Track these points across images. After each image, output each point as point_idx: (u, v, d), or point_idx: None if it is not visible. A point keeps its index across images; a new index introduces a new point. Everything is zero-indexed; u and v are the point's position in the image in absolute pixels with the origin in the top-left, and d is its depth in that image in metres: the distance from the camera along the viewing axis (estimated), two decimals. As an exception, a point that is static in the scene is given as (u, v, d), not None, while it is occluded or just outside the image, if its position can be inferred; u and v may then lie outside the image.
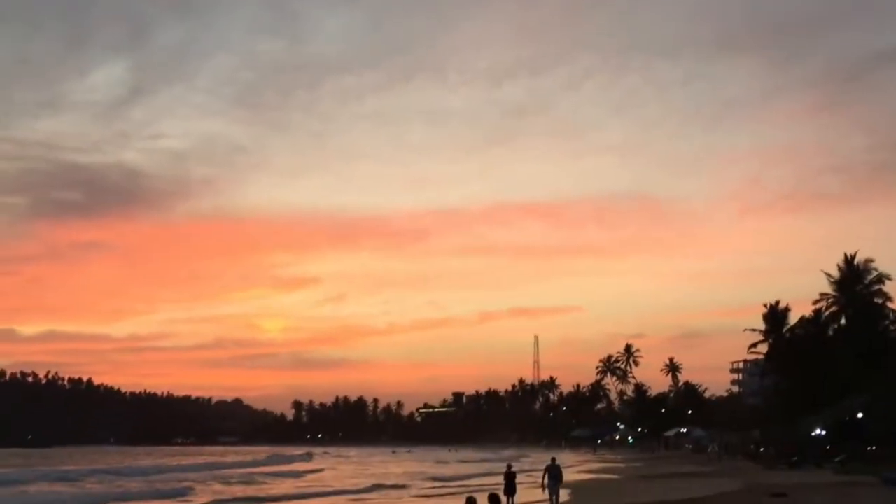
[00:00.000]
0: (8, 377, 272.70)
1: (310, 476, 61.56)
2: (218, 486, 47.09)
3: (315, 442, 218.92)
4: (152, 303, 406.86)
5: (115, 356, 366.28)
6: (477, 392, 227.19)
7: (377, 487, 45.18)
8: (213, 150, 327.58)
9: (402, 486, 46.54)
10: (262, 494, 41.82)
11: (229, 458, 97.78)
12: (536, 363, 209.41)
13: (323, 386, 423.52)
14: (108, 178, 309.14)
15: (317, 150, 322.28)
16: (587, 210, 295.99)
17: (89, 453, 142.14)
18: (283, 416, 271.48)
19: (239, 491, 43.79)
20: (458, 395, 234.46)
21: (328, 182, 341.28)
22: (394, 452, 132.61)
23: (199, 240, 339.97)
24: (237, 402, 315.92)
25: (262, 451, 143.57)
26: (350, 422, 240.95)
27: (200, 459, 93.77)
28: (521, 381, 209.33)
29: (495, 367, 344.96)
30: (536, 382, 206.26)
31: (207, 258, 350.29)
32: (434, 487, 45.87)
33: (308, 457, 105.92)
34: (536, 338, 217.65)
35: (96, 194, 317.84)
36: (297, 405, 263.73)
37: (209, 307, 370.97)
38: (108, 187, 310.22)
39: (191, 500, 37.78)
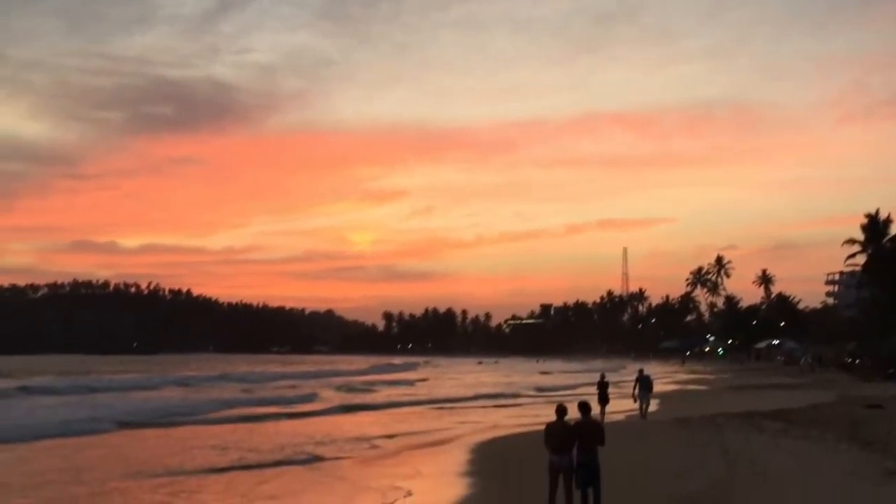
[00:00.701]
0: (112, 288, 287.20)
1: (419, 384, 62.76)
2: (338, 394, 48.10)
3: (405, 352, 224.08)
4: (245, 216, 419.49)
5: (211, 268, 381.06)
6: (565, 304, 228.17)
7: (481, 397, 45.63)
8: (301, 64, 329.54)
9: (511, 395, 47.00)
10: (381, 401, 42.78)
11: (336, 367, 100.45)
12: (625, 275, 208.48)
13: (412, 298, 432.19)
14: (199, 93, 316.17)
15: (402, 61, 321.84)
16: (678, 119, 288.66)
17: (197, 360, 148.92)
18: (373, 326, 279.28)
19: (360, 398, 44.77)
20: (545, 307, 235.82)
21: (414, 94, 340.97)
22: (480, 363, 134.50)
23: (288, 153, 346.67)
24: (329, 313, 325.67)
25: (360, 360, 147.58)
26: (439, 333, 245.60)
27: (309, 368, 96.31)
28: (610, 294, 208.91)
29: (583, 280, 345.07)
30: (625, 294, 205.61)
31: (297, 172, 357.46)
32: (537, 396, 46.39)
33: (412, 366, 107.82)
34: (625, 250, 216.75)
35: (188, 109, 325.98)
36: (388, 316, 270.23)
37: (299, 220, 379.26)
38: (199, 102, 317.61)
39: (320, 406, 38.75)
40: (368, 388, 55.10)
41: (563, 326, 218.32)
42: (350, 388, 53.29)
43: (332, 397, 44.71)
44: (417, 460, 19.55)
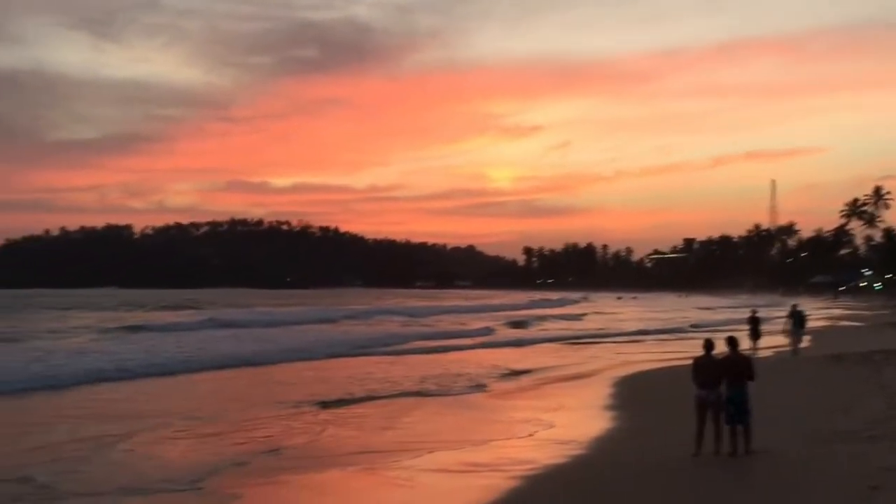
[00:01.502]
0: (265, 225, 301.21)
1: (585, 318, 63.54)
2: (508, 329, 48.83)
3: (545, 287, 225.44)
4: (387, 154, 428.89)
5: (357, 205, 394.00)
6: (709, 238, 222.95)
7: (649, 332, 45.78)
8: (439, 1, 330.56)
9: (676, 330, 46.96)
10: (552, 335, 43.48)
11: (496, 302, 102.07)
12: (773, 208, 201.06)
13: (551, 233, 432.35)
14: (341, 35, 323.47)
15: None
16: (828, 42, 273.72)
17: (349, 294, 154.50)
18: (513, 261, 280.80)
19: (534, 333, 45.74)
20: (688, 241, 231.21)
21: (552, 27, 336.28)
22: (619, 298, 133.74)
23: (427, 92, 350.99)
24: (470, 248, 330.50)
25: (504, 294, 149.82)
26: (579, 268, 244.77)
27: (469, 302, 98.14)
28: (757, 227, 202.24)
29: (728, 213, 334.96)
30: (773, 228, 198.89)
31: (436, 109, 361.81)
32: (695, 332, 45.25)
33: (569, 301, 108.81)
34: (773, 181, 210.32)
35: (330, 51, 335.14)
36: (528, 251, 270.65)
37: (440, 157, 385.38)
38: (341, 43, 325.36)
39: (494, 338, 40.24)
40: (535, 322, 56.19)
41: (706, 261, 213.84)
42: (518, 323, 54.11)
43: (505, 332, 45.95)
44: (577, 392, 20.30)
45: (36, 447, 13.16)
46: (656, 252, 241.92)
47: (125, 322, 48.83)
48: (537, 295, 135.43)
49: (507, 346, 36.19)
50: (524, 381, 22.92)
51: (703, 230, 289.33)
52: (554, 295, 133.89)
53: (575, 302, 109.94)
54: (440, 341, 37.75)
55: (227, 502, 9.99)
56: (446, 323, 54.24)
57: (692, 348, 12.42)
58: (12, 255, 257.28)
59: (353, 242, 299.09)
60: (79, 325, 48.20)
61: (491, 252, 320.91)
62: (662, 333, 45.05)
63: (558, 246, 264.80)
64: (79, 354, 27.45)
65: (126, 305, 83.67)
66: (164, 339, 35.28)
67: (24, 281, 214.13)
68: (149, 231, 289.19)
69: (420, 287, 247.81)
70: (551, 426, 15.04)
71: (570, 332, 45.54)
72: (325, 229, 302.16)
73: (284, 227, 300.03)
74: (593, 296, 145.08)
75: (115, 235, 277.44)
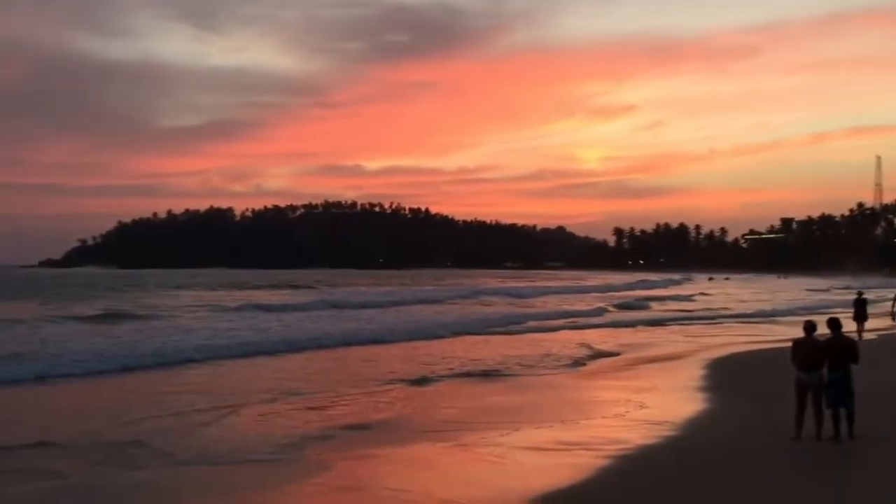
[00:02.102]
0: (359, 208, 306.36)
1: (698, 299, 63.12)
2: (622, 311, 48.44)
3: (637, 268, 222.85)
4: (477, 136, 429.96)
5: (447, 187, 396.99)
6: (808, 217, 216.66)
7: (762, 314, 45.18)
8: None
9: (786, 312, 45.95)
10: (664, 315, 43.66)
11: (594, 282, 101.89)
12: (878, 185, 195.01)
13: (642, 213, 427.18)
14: (432, 18, 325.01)
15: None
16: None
17: (443, 275, 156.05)
18: (604, 242, 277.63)
19: (646, 314, 45.56)
20: (786, 221, 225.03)
21: (644, 3, 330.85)
22: (710, 279, 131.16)
23: (517, 73, 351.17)
24: (560, 229, 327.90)
25: (595, 275, 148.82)
26: (671, 248, 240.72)
27: (572, 283, 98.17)
28: (860, 206, 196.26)
29: (829, 191, 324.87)
30: (878, 206, 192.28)
31: (526, 91, 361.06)
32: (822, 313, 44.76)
33: (672, 282, 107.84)
34: (878, 158, 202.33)
35: (422, 35, 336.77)
36: (618, 232, 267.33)
37: (529, 139, 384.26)
38: (432, 27, 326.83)
39: (605, 319, 40.79)
40: (648, 302, 56.36)
41: (805, 241, 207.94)
42: (628, 305, 53.87)
43: (624, 314, 45.78)
44: (672, 372, 20.18)
45: (152, 416, 13.93)
46: (752, 232, 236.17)
47: (239, 301, 50.64)
48: (634, 276, 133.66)
49: (621, 326, 36.20)
50: (619, 360, 23.01)
51: (802, 209, 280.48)
52: (653, 276, 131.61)
53: (678, 283, 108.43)
54: (556, 321, 38.35)
55: (320, 472, 10.26)
56: (555, 303, 54.46)
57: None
58: (124, 237, 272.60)
59: (443, 224, 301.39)
60: (195, 303, 50.24)
61: (581, 233, 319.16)
62: (784, 315, 43.77)
63: (649, 226, 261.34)
64: (196, 332, 28.91)
65: (236, 285, 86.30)
66: (280, 318, 36.81)
67: (135, 261, 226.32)
68: (248, 214, 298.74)
69: (509, 268, 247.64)
70: (644, 406, 14.92)
71: (679, 314, 45.43)
72: (415, 211, 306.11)
73: (377, 209, 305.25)
74: (691, 276, 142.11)
75: (218, 218, 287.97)
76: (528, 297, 62.96)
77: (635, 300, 59.00)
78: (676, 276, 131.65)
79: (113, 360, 20.70)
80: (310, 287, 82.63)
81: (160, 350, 23.20)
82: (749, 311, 47.51)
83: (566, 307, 50.06)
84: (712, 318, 42.27)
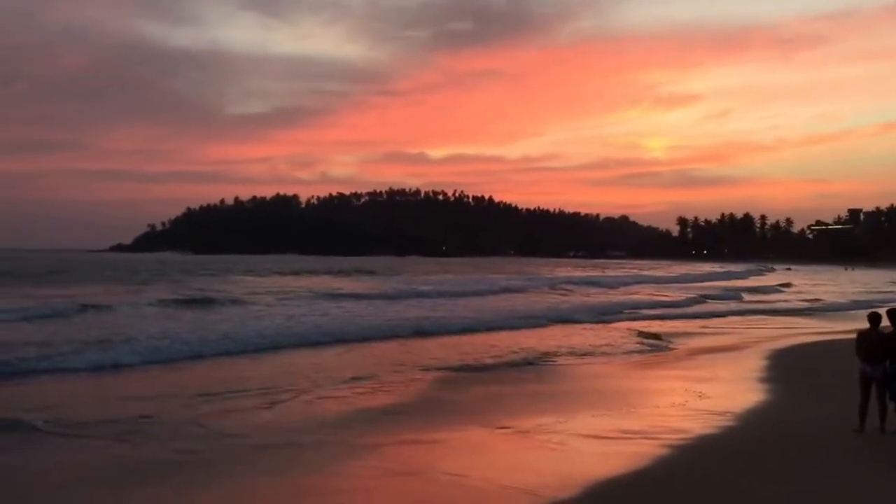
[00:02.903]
0: (422, 195, 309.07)
1: (786, 291, 62.55)
2: (714, 302, 47.98)
3: (700, 258, 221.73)
4: (540, 125, 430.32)
5: (510, 175, 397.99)
6: (877, 208, 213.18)
7: (857, 304, 44.44)
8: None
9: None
10: (766, 305, 43.76)
11: (669, 272, 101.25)
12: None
13: (707, 203, 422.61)
14: (496, 6, 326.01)
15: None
16: None
17: (509, 263, 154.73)
18: (667, 232, 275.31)
19: (744, 305, 45.41)
20: (854, 212, 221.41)
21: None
22: (789, 269, 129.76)
23: (581, 62, 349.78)
24: (623, 218, 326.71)
25: (664, 265, 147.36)
26: (735, 238, 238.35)
27: (651, 273, 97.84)
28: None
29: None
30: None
31: (590, 79, 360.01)
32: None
33: (752, 272, 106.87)
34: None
35: (486, 23, 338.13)
36: (682, 222, 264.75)
37: (593, 127, 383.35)
38: (496, 15, 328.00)
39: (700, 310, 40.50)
40: (737, 293, 55.62)
41: (874, 233, 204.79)
42: (719, 296, 52.62)
43: (716, 305, 45.32)
44: (737, 362, 20.01)
45: (221, 400, 14.21)
46: (818, 223, 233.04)
47: (321, 287, 51.03)
48: (705, 266, 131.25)
49: (714, 317, 36.15)
50: (681, 349, 22.93)
51: (871, 200, 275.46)
52: (734, 266, 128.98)
53: (759, 273, 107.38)
54: (650, 310, 38.58)
55: (374, 455, 10.39)
56: (646, 293, 54.21)
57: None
58: (192, 223, 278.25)
59: (506, 212, 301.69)
60: (279, 289, 49.69)
61: (644, 222, 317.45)
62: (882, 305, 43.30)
63: (714, 216, 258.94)
64: (288, 317, 29.32)
65: (312, 271, 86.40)
66: (367, 305, 37.20)
67: (202, 246, 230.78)
68: (314, 201, 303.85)
69: (571, 256, 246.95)
70: (705, 396, 14.86)
71: (776, 304, 45.57)
72: (479, 199, 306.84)
73: (440, 196, 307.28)
74: (771, 266, 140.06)
75: (284, 205, 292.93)
76: (614, 286, 62.41)
77: (725, 290, 58.12)
78: (753, 266, 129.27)
79: (189, 346, 20.62)
80: (395, 274, 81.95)
81: (233, 334, 23.07)
82: (843, 301, 47.69)
83: (658, 297, 49.75)
84: (812, 309, 42.34)
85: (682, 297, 48.98)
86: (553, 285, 60.05)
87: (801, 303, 48.01)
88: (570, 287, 58.75)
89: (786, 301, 49.93)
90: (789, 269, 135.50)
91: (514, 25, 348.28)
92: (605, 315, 35.49)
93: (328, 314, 32.01)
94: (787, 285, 70.66)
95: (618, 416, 13.04)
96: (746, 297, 53.68)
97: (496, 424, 12.35)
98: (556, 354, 21.41)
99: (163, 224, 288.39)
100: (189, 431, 11.67)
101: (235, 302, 37.81)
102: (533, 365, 19.59)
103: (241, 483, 9.24)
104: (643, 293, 54.76)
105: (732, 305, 44.87)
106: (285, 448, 10.78)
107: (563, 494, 8.58)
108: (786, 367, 19.07)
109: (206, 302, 37.03)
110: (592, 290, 57.85)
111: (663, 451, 10.54)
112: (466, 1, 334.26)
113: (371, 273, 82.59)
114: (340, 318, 30.64)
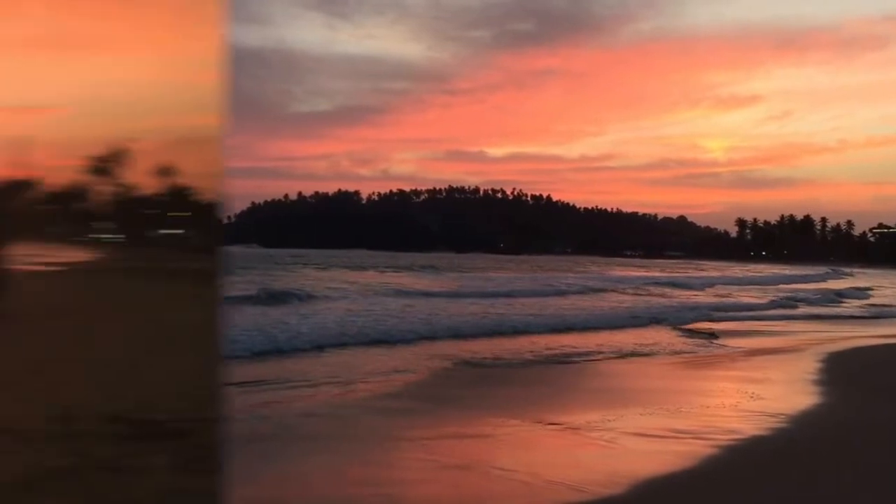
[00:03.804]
0: (482, 193, 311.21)
1: (872, 294, 61.01)
2: (809, 306, 46.17)
3: (759, 259, 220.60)
4: (600, 124, 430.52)
5: (568, 175, 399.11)
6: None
7: None
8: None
9: None
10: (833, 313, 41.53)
11: (735, 273, 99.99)
12: None
13: (766, 204, 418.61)
14: (557, 7, 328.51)
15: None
16: None
17: (569, 262, 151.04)
18: (726, 233, 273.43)
19: (837, 309, 44.08)
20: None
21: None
22: (850, 274, 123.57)
23: (641, 62, 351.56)
24: (681, 219, 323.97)
25: (724, 266, 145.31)
26: (795, 240, 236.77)
27: (719, 274, 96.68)
28: None
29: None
30: None
31: (650, 79, 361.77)
32: None
33: (828, 275, 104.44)
34: None
35: (547, 23, 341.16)
36: (741, 223, 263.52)
37: (652, 128, 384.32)
38: (557, 15, 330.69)
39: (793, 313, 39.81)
40: (836, 297, 54.21)
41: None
42: (807, 300, 50.15)
43: (811, 308, 43.88)
44: (794, 364, 19.66)
45: (289, 398, 13.96)
46: (881, 226, 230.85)
47: (392, 284, 50.16)
48: (771, 267, 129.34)
49: (801, 319, 35.34)
50: (739, 349, 22.53)
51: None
52: (805, 269, 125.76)
53: (834, 276, 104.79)
54: (736, 312, 37.95)
55: (423, 449, 10.42)
56: (727, 295, 53.18)
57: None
58: (256, 217, 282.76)
59: (564, 211, 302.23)
60: (360, 283, 49.35)
61: (702, 223, 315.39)
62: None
63: (773, 218, 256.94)
64: (367, 314, 27.87)
65: (381, 267, 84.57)
66: (445, 304, 35.59)
67: (266, 240, 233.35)
68: (374, 197, 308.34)
69: (629, 256, 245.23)
70: (759, 397, 14.55)
71: (867, 309, 43.98)
72: (537, 198, 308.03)
73: (499, 195, 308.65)
74: (845, 269, 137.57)
75: (345, 200, 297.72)
76: (693, 287, 61.47)
77: (812, 293, 56.20)
78: (825, 269, 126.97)
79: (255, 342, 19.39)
80: (467, 271, 79.78)
81: (314, 329, 22.49)
82: None
83: (744, 299, 48.32)
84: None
85: (767, 300, 46.98)
86: (638, 286, 58.57)
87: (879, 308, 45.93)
88: (651, 287, 57.50)
89: (879, 305, 48.19)
90: (863, 272, 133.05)
91: (576, 26, 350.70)
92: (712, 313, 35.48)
93: (413, 307, 31.62)
94: (869, 289, 68.40)
95: (669, 415, 12.95)
96: (847, 301, 51.97)
97: (546, 420, 12.36)
98: (599, 353, 21.20)
99: (228, 218, 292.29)
100: (251, 428, 11.41)
101: (314, 297, 35.81)
102: (578, 363, 19.46)
103: (294, 468, 9.38)
104: (735, 295, 53.48)
105: (839, 310, 43.15)
106: (335, 440, 10.94)
107: (610, 491, 8.59)
108: (845, 371, 18.56)
109: (283, 296, 34.62)
110: (676, 291, 56.15)
111: (713, 451, 10.42)
112: (528, 1, 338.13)
113: (435, 269, 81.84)
114: (425, 313, 29.10)
